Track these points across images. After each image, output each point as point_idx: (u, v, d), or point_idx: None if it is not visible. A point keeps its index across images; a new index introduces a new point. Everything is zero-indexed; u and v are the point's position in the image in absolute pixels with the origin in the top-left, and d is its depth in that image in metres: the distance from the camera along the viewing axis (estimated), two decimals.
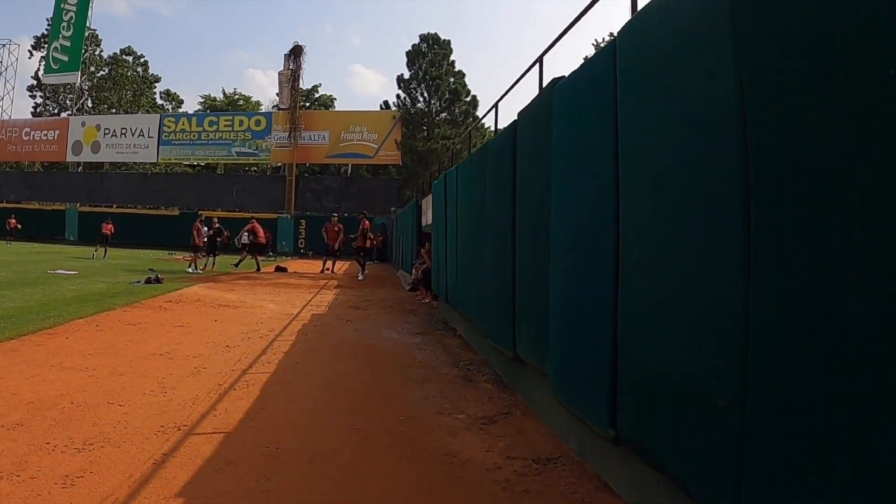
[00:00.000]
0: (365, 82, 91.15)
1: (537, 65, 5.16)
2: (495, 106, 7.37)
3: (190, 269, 17.51)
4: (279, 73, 37.30)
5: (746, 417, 1.95)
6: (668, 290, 2.47)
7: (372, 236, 21.24)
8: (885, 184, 1.46)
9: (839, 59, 1.62)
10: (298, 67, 36.28)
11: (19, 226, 31.67)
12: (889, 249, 1.45)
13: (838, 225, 1.61)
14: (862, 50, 1.55)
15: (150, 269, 15.86)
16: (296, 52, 36.38)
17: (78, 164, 40.51)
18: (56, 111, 49.46)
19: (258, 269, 18.37)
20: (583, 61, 3.85)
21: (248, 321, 8.71)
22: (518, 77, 5.99)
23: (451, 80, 39.68)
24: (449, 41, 40.55)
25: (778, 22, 1.85)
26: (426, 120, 39.37)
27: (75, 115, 42.51)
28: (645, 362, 2.65)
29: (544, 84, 4.55)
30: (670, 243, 2.47)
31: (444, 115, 39.55)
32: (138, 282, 13.39)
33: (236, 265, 18.43)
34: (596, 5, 3.97)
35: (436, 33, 40.51)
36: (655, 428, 2.56)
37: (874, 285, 1.50)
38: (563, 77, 3.98)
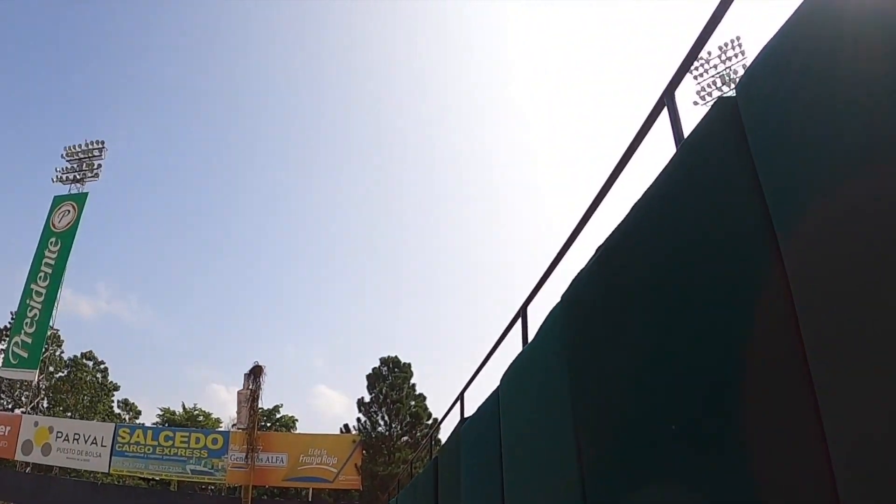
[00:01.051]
0: (330, 403, 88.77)
1: (459, 400, 6.02)
2: (430, 439, 8.54)
3: None
4: (238, 393, 37.47)
5: None
6: None
7: None
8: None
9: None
10: (258, 387, 36.53)
11: None
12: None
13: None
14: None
15: None
16: (255, 373, 36.88)
17: (26, 464, 38.73)
18: (10, 406, 48.14)
19: None
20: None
21: None
22: (445, 413, 6.81)
23: (412, 403, 39.52)
24: (409, 364, 40.70)
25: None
26: (387, 444, 38.65)
27: (29, 413, 41.85)
28: None
29: (466, 415, 5.38)
30: None
31: (405, 438, 38.75)
32: None
33: None
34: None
35: (396, 356, 40.75)
36: None
37: None
38: (470, 416, 4.90)
